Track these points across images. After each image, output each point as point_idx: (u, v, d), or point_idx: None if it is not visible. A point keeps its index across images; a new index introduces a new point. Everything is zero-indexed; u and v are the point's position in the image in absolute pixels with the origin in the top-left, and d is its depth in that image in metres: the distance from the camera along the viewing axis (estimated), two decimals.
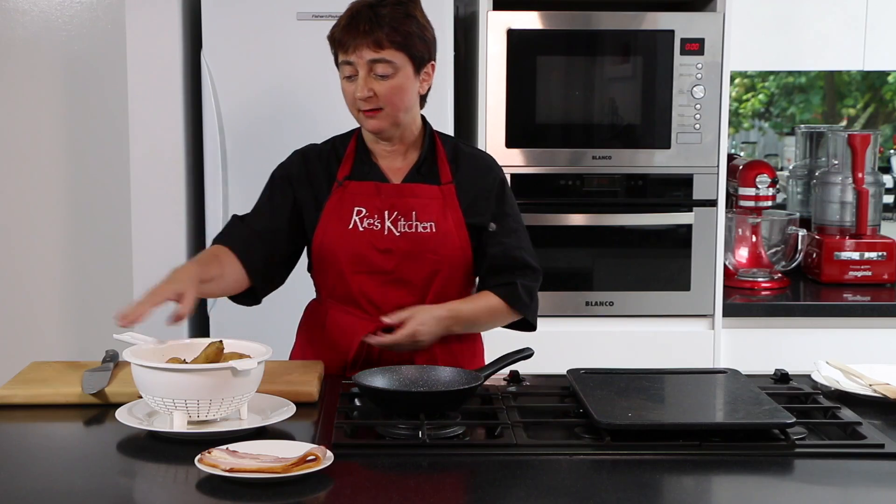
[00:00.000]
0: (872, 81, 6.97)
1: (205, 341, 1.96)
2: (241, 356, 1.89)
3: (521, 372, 2.16)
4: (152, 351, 1.94)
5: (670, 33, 3.20)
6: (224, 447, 1.65)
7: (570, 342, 3.23)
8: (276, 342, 3.21)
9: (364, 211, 2.23)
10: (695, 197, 3.27)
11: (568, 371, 2.11)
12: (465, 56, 3.50)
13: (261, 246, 2.25)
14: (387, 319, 2.13)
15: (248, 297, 2.29)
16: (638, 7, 3.37)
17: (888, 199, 4.49)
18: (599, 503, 1.54)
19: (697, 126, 3.23)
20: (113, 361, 2.15)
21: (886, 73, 6.41)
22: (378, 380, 1.95)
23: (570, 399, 2.01)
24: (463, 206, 2.26)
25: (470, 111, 3.36)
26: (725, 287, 3.34)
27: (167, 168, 3.11)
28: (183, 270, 2.11)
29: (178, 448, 1.75)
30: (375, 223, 2.22)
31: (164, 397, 1.79)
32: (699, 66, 3.21)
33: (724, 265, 3.32)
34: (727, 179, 3.37)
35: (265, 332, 3.17)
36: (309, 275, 2.38)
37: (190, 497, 1.57)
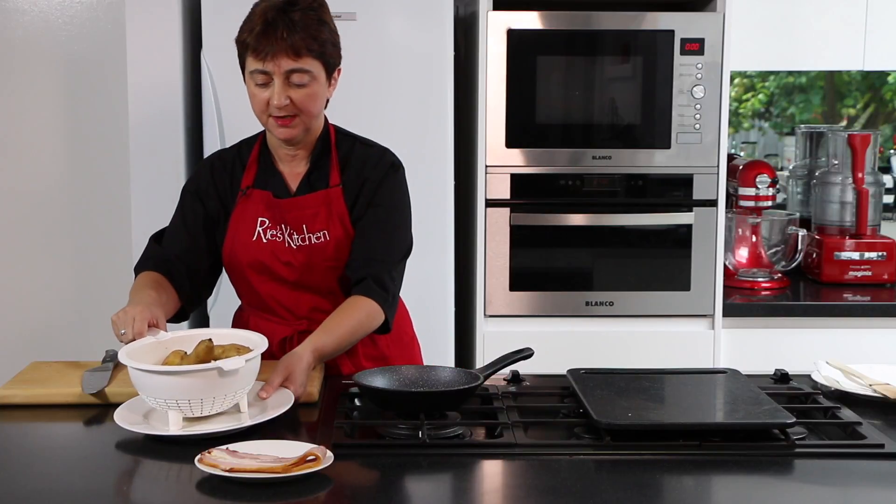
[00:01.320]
0: (872, 81, 6.96)
1: (202, 333, 1.95)
2: (239, 349, 1.88)
3: (521, 372, 2.16)
4: (153, 345, 1.94)
5: (670, 33, 3.20)
6: (224, 447, 1.66)
7: (570, 342, 3.23)
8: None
9: (267, 222, 2.21)
10: (695, 197, 3.27)
11: (568, 371, 2.11)
12: (465, 56, 3.50)
13: (183, 267, 2.24)
14: (263, 395, 1.94)
15: (178, 316, 2.28)
16: (638, 7, 3.37)
17: (888, 199, 4.49)
18: (599, 503, 1.54)
19: (697, 126, 3.23)
20: (113, 361, 2.15)
21: (886, 73, 6.40)
22: (378, 380, 1.95)
23: (570, 399, 2.01)
24: (349, 205, 2.22)
25: (470, 111, 3.36)
26: (725, 287, 3.34)
27: (167, 168, 3.11)
28: (144, 296, 2.10)
29: (178, 448, 1.75)
30: (278, 235, 2.21)
31: (158, 397, 1.79)
32: (699, 66, 3.21)
33: (724, 265, 3.32)
34: (727, 179, 3.37)
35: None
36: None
37: (190, 497, 1.57)
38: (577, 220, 3.27)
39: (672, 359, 3.23)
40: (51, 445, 1.86)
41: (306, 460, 1.59)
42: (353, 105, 3.07)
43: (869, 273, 3.47)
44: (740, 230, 3.47)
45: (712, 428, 1.80)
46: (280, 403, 1.88)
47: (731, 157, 3.70)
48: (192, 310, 2.30)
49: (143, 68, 3.08)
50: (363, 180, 2.23)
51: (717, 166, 3.26)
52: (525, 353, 2.14)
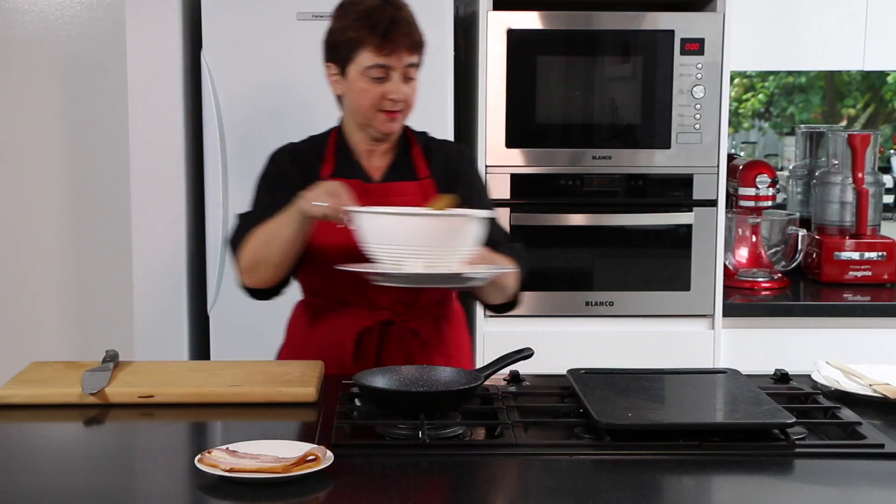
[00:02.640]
0: (872, 81, 6.97)
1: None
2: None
3: (521, 372, 2.16)
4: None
5: (670, 33, 3.20)
6: (224, 447, 1.66)
7: (570, 342, 3.23)
8: (276, 342, 3.22)
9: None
10: (695, 197, 3.27)
11: (568, 371, 2.11)
12: (465, 56, 3.50)
13: None
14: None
15: (273, 291, 2.28)
16: (638, 7, 3.37)
17: (888, 199, 4.49)
18: (599, 503, 1.54)
19: (697, 126, 3.23)
20: (113, 361, 2.15)
21: (886, 73, 6.41)
22: (378, 380, 1.95)
23: (570, 399, 2.01)
24: None
25: (470, 111, 3.36)
26: (725, 287, 3.34)
27: (167, 168, 3.11)
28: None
29: (178, 448, 1.75)
30: None
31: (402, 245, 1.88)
32: (699, 66, 3.21)
33: (724, 265, 3.32)
34: (727, 179, 3.37)
35: (264, 331, 3.18)
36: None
37: (190, 497, 1.57)
38: (577, 220, 3.27)
39: (672, 359, 3.23)
40: (51, 445, 1.86)
41: (306, 460, 1.59)
42: None
43: (869, 273, 3.47)
44: (740, 230, 3.47)
45: (712, 428, 1.80)
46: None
47: (731, 157, 3.70)
48: (284, 288, 2.29)
49: (143, 68, 3.08)
50: (454, 173, 2.32)
51: (717, 166, 3.26)
52: (525, 353, 2.14)
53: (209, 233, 3.10)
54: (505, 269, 2.10)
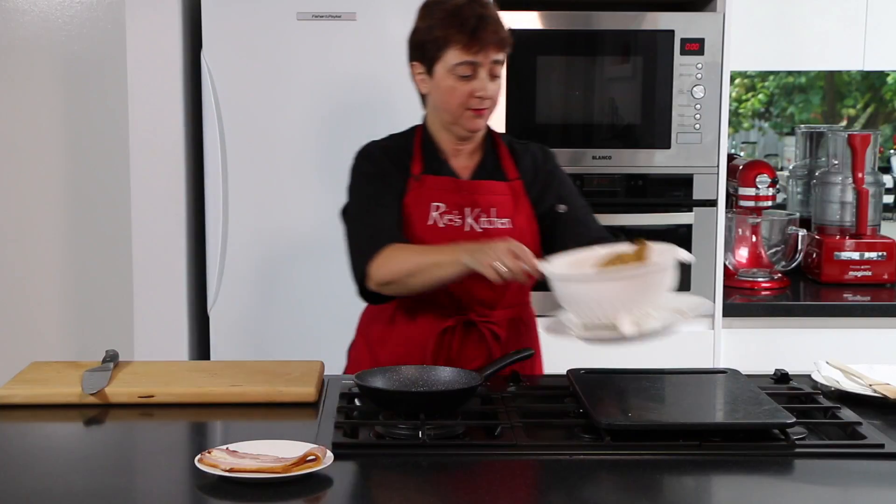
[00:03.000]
0: (872, 81, 6.97)
1: (605, 250, 1.94)
2: (622, 258, 1.88)
3: (521, 372, 2.16)
4: (573, 264, 1.95)
5: (670, 33, 3.20)
6: (224, 447, 1.66)
7: (570, 342, 3.22)
8: (276, 342, 3.22)
9: (442, 206, 2.25)
10: (695, 197, 3.27)
11: (568, 371, 2.11)
12: None
13: (401, 233, 2.24)
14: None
15: (388, 299, 2.27)
16: (638, 7, 3.37)
17: (888, 199, 4.50)
18: (599, 503, 1.54)
19: (697, 126, 3.23)
20: (113, 361, 2.15)
21: (886, 73, 6.41)
22: (378, 380, 1.95)
23: (570, 399, 2.01)
24: (532, 199, 2.31)
25: None
26: (725, 287, 3.33)
27: (167, 168, 3.11)
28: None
29: (178, 448, 1.75)
30: (455, 219, 2.25)
31: (608, 306, 1.81)
32: (699, 66, 3.21)
33: (724, 265, 3.32)
34: (727, 179, 3.37)
35: (265, 331, 3.18)
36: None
37: (190, 497, 1.57)
38: None
39: (672, 359, 3.22)
40: (51, 445, 1.86)
41: (306, 460, 1.59)
42: (352, 105, 3.07)
43: (869, 273, 3.47)
44: (740, 230, 3.47)
45: (712, 428, 1.80)
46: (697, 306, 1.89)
47: (731, 157, 3.70)
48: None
49: (143, 68, 3.08)
50: (544, 174, 2.35)
51: (717, 166, 3.26)
52: (525, 354, 2.15)
53: (209, 233, 3.10)
54: (701, 309, 1.98)
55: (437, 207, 2.25)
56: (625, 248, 1.93)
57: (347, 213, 2.31)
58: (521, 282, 2.03)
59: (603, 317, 1.83)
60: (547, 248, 2.29)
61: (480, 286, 2.19)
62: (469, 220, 2.25)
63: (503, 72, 2.26)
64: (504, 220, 2.26)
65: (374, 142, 2.35)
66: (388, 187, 2.26)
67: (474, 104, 2.21)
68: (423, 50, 2.23)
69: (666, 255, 1.83)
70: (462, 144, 2.30)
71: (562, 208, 2.32)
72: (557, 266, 1.94)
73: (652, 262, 1.84)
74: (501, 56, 2.22)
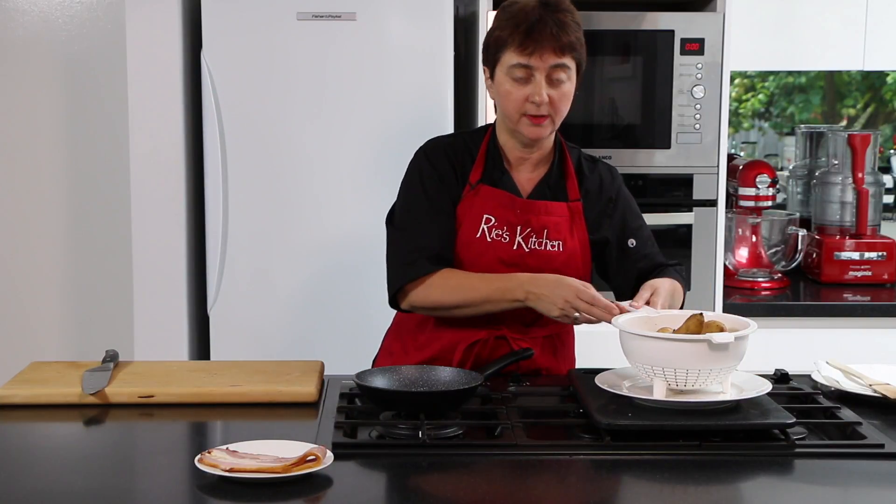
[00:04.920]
0: (872, 81, 6.96)
1: (689, 312, 1.96)
2: (720, 328, 1.91)
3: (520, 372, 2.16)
4: (644, 320, 1.97)
5: (670, 33, 3.20)
6: (224, 447, 1.66)
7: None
8: (276, 342, 3.22)
9: (493, 220, 2.18)
10: (695, 197, 3.27)
11: (568, 371, 2.10)
12: (465, 56, 3.50)
13: (449, 257, 2.20)
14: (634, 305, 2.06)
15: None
16: (638, 7, 3.37)
17: (888, 199, 4.49)
18: (599, 503, 1.54)
19: (697, 126, 3.23)
20: (113, 361, 2.15)
21: (886, 73, 6.40)
22: (378, 380, 1.95)
23: (570, 399, 2.01)
24: (588, 223, 2.25)
25: (470, 111, 3.35)
26: (725, 287, 3.33)
27: (167, 168, 3.11)
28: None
29: (178, 448, 1.75)
30: (504, 235, 2.18)
31: (646, 364, 1.84)
32: (699, 66, 3.21)
33: (724, 265, 3.32)
34: (727, 179, 3.37)
35: (265, 331, 3.18)
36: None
37: (190, 497, 1.57)
38: None
39: None
40: (51, 445, 1.86)
41: (306, 460, 1.59)
42: (353, 105, 3.07)
43: (869, 273, 3.47)
44: (740, 230, 3.47)
45: (712, 428, 1.79)
46: (759, 386, 1.89)
47: (731, 157, 3.70)
48: None
49: (143, 68, 3.08)
50: (607, 200, 2.28)
51: (717, 166, 3.26)
52: (525, 354, 2.14)
53: (209, 233, 3.10)
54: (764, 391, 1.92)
55: (489, 220, 2.18)
56: (705, 316, 1.95)
57: (394, 217, 2.25)
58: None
59: (643, 372, 1.88)
60: (602, 273, 2.29)
61: (522, 309, 2.15)
62: (518, 239, 2.18)
63: (570, 79, 2.14)
64: (555, 243, 2.20)
65: (438, 138, 2.29)
66: (443, 192, 2.20)
67: (530, 110, 2.12)
68: (487, 52, 2.18)
69: (722, 335, 1.85)
70: (527, 153, 2.22)
71: (632, 243, 2.27)
72: (629, 324, 1.94)
73: (726, 335, 1.86)
74: (563, 61, 2.11)
